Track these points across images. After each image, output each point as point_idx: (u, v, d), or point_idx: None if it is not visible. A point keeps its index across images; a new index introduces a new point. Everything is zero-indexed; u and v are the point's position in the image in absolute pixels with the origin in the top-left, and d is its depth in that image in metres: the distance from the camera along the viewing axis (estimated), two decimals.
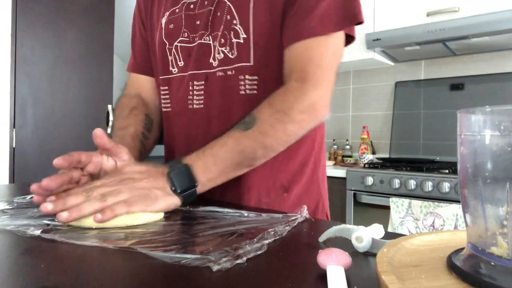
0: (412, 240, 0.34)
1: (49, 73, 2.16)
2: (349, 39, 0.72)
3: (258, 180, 0.73)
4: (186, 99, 0.78)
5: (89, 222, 0.50)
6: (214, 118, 0.75)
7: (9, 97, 2.02)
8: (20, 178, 2.05)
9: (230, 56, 0.72)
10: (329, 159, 2.61)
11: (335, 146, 2.64)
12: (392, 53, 2.27)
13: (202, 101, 0.76)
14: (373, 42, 2.12)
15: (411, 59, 2.40)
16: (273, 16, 0.70)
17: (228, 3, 0.72)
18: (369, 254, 0.41)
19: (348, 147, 2.60)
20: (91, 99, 2.32)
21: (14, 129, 2.03)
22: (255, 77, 0.72)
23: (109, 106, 2.36)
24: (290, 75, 0.69)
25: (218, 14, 0.73)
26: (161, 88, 0.84)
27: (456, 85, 2.24)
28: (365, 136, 2.39)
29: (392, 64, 2.49)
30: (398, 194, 1.80)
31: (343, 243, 0.43)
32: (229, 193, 0.73)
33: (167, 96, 0.83)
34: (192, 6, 0.77)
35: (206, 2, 0.75)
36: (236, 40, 0.71)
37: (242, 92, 0.73)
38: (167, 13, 0.81)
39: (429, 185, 1.72)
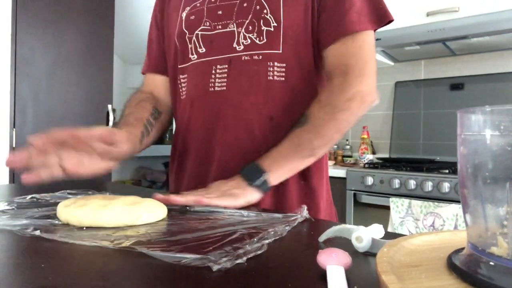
0: (412, 240, 0.34)
1: (49, 73, 2.16)
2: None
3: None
4: (207, 82, 0.79)
5: (89, 221, 0.50)
6: (236, 100, 0.77)
7: (9, 97, 2.02)
8: (20, 178, 2.05)
9: (257, 42, 0.76)
10: (329, 159, 2.61)
11: (335, 146, 2.64)
12: (392, 53, 2.27)
13: (224, 84, 0.78)
14: None
15: (411, 59, 2.40)
16: (303, 8, 0.75)
17: None
18: (369, 254, 0.41)
19: (348, 147, 2.60)
20: (91, 99, 2.32)
21: (14, 129, 2.03)
22: (283, 65, 0.76)
23: (109, 106, 2.36)
24: (333, 72, 0.75)
25: (245, 5, 0.77)
26: (180, 77, 0.85)
27: (456, 85, 2.24)
28: (365, 136, 2.39)
29: (392, 64, 2.49)
30: (398, 194, 1.80)
31: (343, 243, 0.43)
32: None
33: (185, 84, 0.84)
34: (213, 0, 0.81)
35: None
36: (266, 28, 0.75)
37: (270, 78, 0.76)
38: (188, 8, 0.84)
39: (429, 185, 1.72)
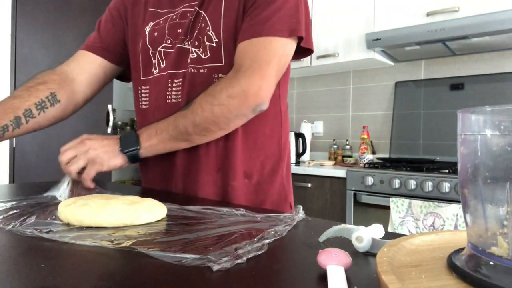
0: (412, 240, 0.34)
1: None
2: (307, 51, 0.83)
3: (227, 164, 0.83)
4: (164, 95, 0.86)
5: (89, 221, 0.50)
6: None
7: None
8: (20, 178, 2.05)
9: (202, 56, 0.82)
10: (329, 159, 2.61)
11: (335, 146, 2.64)
12: (392, 53, 2.27)
13: (179, 96, 0.84)
14: (373, 42, 2.12)
15: (411, 59, 2.40)
16: (239, 23, 0.80)
17: (203, 13, 0.83)
18: (369, 254, 0.41)
19: (348, 147, 2.60)
20: None
21: None
22: (225, 75, 0.80)
23: (109, 106, 2.36)
24: (233, 68, 0.78)
25: (195, 23, 0.84)
26: (142, 88, 0.91)
27: (456, 85, 2.24)
28: (365, 136, 2.39)
29: (392, 64, 2.49)
30: (398, 194, 1.80)
31: (343, 243, 0.43)
32: (203, 172, 0.83)
33: (147, 95, 0.91)
34: (174, 17, 0.87)
35: (188, 14, 0.85)
36: (209, 43, 0.82)
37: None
38: (152, 23, 0.90)
39: (429, 185, 1.72)
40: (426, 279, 0.27)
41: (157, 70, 0.88)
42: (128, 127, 2.92)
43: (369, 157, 2.33)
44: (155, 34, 0.88)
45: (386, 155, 2.46)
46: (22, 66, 2.06)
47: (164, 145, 0.78)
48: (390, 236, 0.42)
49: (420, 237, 0.35)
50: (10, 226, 0.48)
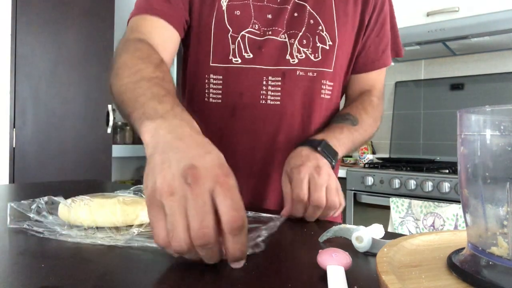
0: (412, 240, 0.34)
1: (49, 73, 2.16)
2: None
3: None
4: (258, 94, 0.74)
5: (89, 221, 0.50)
6: (290, 116, 0.76)
7: (9, 97, 2.02)
8: (20, 178, 2.05)
9: (312, 58, 0.75)
10: None
11: None
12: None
13: (278, 97, 0.74)
14: None
15: (411, 59, 2.40)
16: (351, 29, 0.80)
17: (310, 9, 0.75)
18: (369, 254, 0.41)
19: None
20: (91, 99, 2.32)
21: (14, 129, 2.03)
22: (332, 83, 0.79)
23: (109, 106, 2.36)
24: (370, 91, 0.84)
25: (295, 14, 0.75)
26: (211, 76, 0.75)
27: (456, 85, 2.24)
28: None
29: (392, 64, 2.49)
30: (398, 194, 1.80)
31: (343, 243, 0.43)
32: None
33: (220, 86, 0.75)
34: None
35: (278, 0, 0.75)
36: (321, 45, 0.76)
37: (322, 95, 0.79)
38: None
39: (429, 185, 1.72)
40: (426, 279, 0.27)
41: (239, 60, 0.73)
42: (128, 127, 2.92)
43: (369, 157, 2.33)
44: (237, 12, 0.73)
45: (386, 155, 2.46)
46: (22, 66, 2.06)
47: (341, 157, 0.74)
48: (390, 236, 0.42)
49: (420, 237, 0.35)
50: (12, 226, 0.48)
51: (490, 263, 0.26)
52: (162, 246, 0.35)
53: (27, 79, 2.08)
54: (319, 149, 0.65)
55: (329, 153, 0.66)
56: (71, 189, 0.81)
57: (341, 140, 0.71)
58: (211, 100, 0.76)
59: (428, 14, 1.98)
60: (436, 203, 1.65)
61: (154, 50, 0.62)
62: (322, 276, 0.34)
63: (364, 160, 2.30)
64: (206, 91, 0.76)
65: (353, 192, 1.97)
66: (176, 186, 0.34)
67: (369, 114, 0.79)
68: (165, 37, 0.70)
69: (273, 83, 0.74)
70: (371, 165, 2.06)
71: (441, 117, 2.26)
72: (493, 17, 1.76)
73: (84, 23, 2.30)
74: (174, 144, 0.38)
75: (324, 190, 0.60)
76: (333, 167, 0.66)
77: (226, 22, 0.73)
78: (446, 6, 1.93)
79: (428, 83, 2.36)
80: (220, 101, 0.75)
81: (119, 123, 2.91)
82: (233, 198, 0.34)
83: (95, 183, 0.88)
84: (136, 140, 2.94)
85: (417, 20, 2.02)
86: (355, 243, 0.41)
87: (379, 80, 0.86)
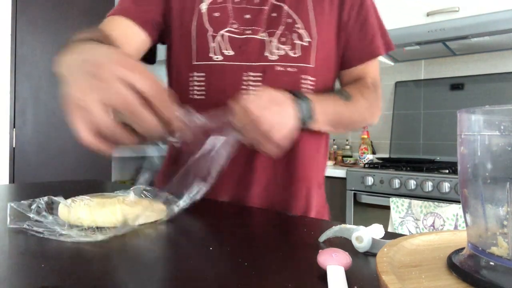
0: (412, 240, 0.34)
1: (49, 73, 2.16)
2: None
3: (308, 175, 0.81)
4: (238, 88, 0.76)
5: (89, 221, 0.50)
6: None
7: (9, 97, 2.02)
8: (20, 178, 2.05)
9: (292, 54, 0.78)
10: (329, 159, 2.61)
11: (335, 146, 2.64)
12: (392, 53, 2.27)
13: None
14: None
15: (411, 59, 2.40)
16: (332, 26, 0.82)
17: (287, 8, 0.78)
18: (369, 254, 0.41)
19: (348, 147, 2.60)
20: None
21: (14, 129, 2.03)
22: (314, 79, 0.80)
23: None
24: (364, 78, 0.85)
25: (274, 15, 0.78)
26: (195, 74, 0.79)
27: (456, 85, 2.24)
28: (365, 136, 2.38)
29: (392, 64, 2.49)
30: (398, 194, 1.80)
31: (343, 243, 0.43)
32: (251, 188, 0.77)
33: (203, 83, 0.79)
34: None
35: (256, 1, 0.79)
36: (300, 42, 0.78)
37: (303, 90, 0.79)
38: (209, 1, 0.79)
39: (429, 185, 1.72)
40: (426, 279, 0.27)
41: (220, 57, 0.77)
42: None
43: (369, 157, 2.33)
44: (216, 14, 0.78)
45: (386, 155, 2.46)
46: (22, 66, 2.06)
47: (326, 127, 0.76)
48: (390, 236, 0.42)
49: (420, 237, 0.35)
50: (12, 226, 0.48)
51: (490, 263, 0.26)
52: (89, 142, 0.39)
53: (27, 79, 2.08)
54: (291, 93, 0.68)
55: (304, 112, 0.68)
56: (71, 189, 0.81)
57: (329, 109, 0.74)
58: (195, 97, 0.79)
59: (428, 14, 1.98)
60: (436, 203, 1.65)
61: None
62: (322, 276, 0.34)
63: (364, 160, 2.30)
64: (190, 88, 0.80)
65: (353, 192, 1.97)
66: (85, 87, 0.40)
67: (364, 96, 0.80)
68: (127, 33, 0.76)
69: (254, 79, 0.77)
70: (371, 165, 2.06)
71: (441, 117, 2.26)
72: (493, 17, 1.76)
73: (84, 23, 2.30)
74: (81, 57, 0.44)
75: (267, 114, 0.62)
76: (304, 125, 0.68)
77: (206, 24, 0.78)
78: (446, 6, 1.93)
79: (428, 83, 2.36)
80: (204, 97, 0.79)
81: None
82: (141, 72, 0.36)
83: (95, 183, 0.88)
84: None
85: (417, 20, 2.02)
86: (355, 243, 0.41)
87: (371, 71, 0.86)
